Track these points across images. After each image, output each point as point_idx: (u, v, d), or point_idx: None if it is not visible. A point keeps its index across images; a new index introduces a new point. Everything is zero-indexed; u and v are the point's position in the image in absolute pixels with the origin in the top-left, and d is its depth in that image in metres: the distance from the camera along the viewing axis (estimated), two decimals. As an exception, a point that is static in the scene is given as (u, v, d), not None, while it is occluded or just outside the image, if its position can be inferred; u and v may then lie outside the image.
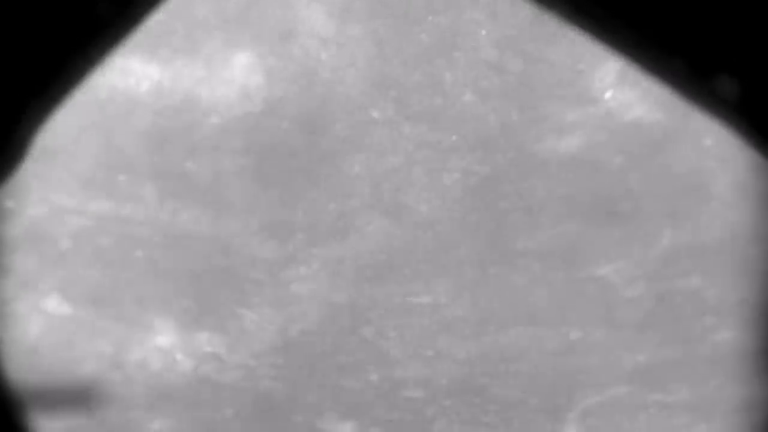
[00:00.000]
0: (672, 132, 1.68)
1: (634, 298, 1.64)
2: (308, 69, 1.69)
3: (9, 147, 1.69)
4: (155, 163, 1.69)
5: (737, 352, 1.67)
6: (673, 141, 1.68)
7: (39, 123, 1.70)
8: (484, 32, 1.69)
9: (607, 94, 1.66)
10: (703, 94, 1.69)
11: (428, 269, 1.66)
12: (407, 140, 1.66)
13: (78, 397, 1.74)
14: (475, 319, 1.67)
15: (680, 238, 1.64)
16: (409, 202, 1.64)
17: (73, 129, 1.69)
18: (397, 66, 1.68)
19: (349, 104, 1.68)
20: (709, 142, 1.68)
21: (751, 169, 1.67)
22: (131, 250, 1.68)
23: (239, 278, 1.67)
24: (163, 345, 1.69)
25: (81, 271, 1.69)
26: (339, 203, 1.65)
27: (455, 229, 1.65)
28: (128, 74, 1.69)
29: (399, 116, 1.66)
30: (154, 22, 1.68)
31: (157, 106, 1.69)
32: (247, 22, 1.70)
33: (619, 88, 1.68)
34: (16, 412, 1.78)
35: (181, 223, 1.66)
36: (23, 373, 1.69)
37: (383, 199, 1.64)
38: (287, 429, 1.72)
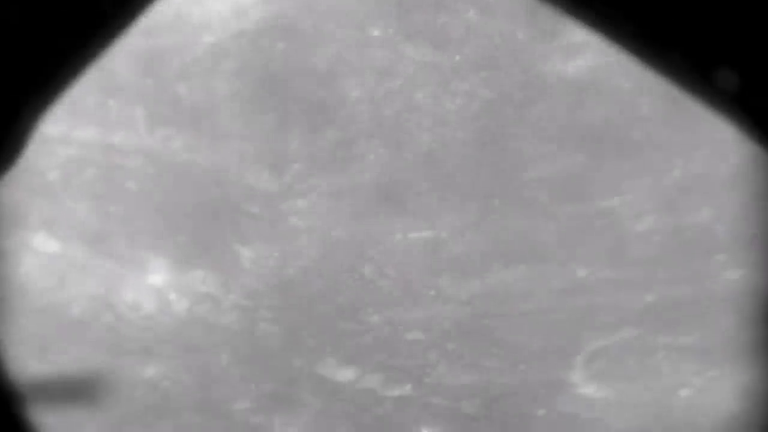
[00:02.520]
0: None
1: (643, 233, 1.56)
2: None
3: (8, 139, 1.59)
4: (145, 86, 1.58)
5: (749, 291, 1.54)
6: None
7: (38, 116, 1.66)
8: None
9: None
10: (703, 87, 1.63)
11: (430, 202, 1.57)
12: (408, 61, 1.57)
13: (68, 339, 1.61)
14: (479, 256, 1.57)
15: (692, 169, 1.56)
16: (410, 129, 1.55)
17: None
18: (399, -18, 1.60)
19: (348, 22, 1.57)
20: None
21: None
22: (122, 182, 1.59)
23: (235, 212, 1.58)
24: (157, 284, 1.59)
25: (69, 206, 1.60)
26: (337, 130, 1.56)
27: (458, 158, 1.56)
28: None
29: (399, 35, 1.57)
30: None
31: (147, 24, 1.58)
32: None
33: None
34: (16, 403, 1.69)
35: (173, 152, 1.57)
36: (14, 317, 1.57)
37: (383, 125, 1.54)
38: (286, 375, 1.61)
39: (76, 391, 1.73)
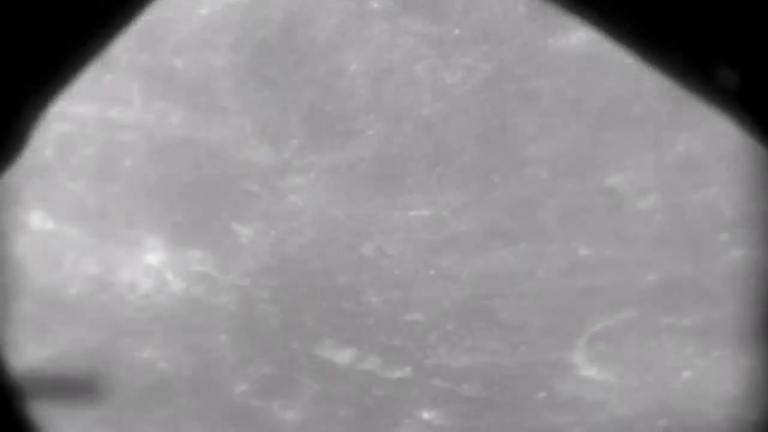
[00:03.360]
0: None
1: (645, 211, 1.52)
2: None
3: (10, 137, 1.59)
4: (141, 60, 1.54)
5: (753, 270, 1.50)
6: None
7: (39, 114, 1.66)
8: None
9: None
10: (704, 85, 1.62)
11: (430, 179, 1.54)
12: (407, 34, 1.54)
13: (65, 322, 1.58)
14: (480, 234, 1.54)
15: (696, 146, 1.51)
16: (410, 104, 1.50)
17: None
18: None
19: (347, -7, 1.56)
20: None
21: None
22: (118, 159, 1.54)
23: (232, 189, 1.55)
24: (153, 264, 1.55)
25: (65, 183, 1.55)
26: (336, 105, 1.52)
27: (459, 134, 1.53)
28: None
29: (398, 7, 1.52)
30: None
31: (143, -3, 1.57)
32: None
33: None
34: (16, 398, 1.66)
35: (169, 127, 1.54)
36: (11, 299, 1.54)
37: (383, 99, 1.51)
38: (284, 357, 1.57)
39: (74, 374, 1.69)
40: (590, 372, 1.70)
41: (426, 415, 1.73)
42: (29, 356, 1.70)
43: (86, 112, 1.69)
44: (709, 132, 1.66)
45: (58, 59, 1.60)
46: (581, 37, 1.65)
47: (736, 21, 1.63)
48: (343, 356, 1.71)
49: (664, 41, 1.64)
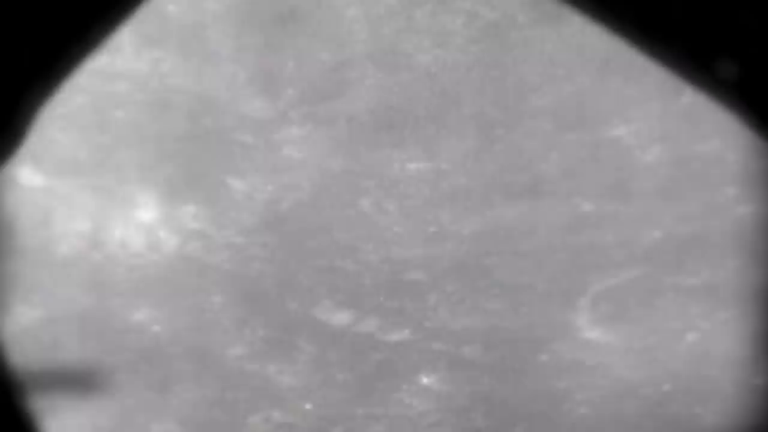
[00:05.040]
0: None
1: (650, 164, 1.45)
2: None
3: (8, 130, 1.54)
4: (134, 4, 1.50)
5: (761, 227, 1.42)
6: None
7: (38, 107, 1.63)
8: None
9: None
10: (703, 76, 1.60)
11: (430, 131, 1.48)
12: (407, -23, 1.48)
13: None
14: (480, 189, 1.48)
15: (701, 95, 1.40)
16: (409, 51, 1.42)
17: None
18: None
19: (344, -66, 1.50)
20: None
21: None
22: (109, 109, 1.45)
23: (226, 141, 1.48)
24: (145, 221, 1.46)
25: (54, 135, 1.46)
26: (333, 52, 1.46)
27: (459, 83, 1.47)
28: None
29: (398, -51, 1.48)
30: None
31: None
32: None
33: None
34: (16, 392, 1.63)
35: (161, 76, 1.47)
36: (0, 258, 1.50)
37: (381, 47, 1.45)
38: (280, 319, 1.50)
39: (65, 338, 1.61)
40: (593, 334, 1.65)
41: (425, 380, 1.68)
42: (19, 318, 1.61)
43: (77, 60, 1.62)
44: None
45: (57, 51, 1.52)
46: (585, -19, 1.58)
47: (737, 12, 1.60)
48: (341, 318, 1.66)
49: (664, 32, 1.61)
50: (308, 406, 1.71)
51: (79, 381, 1.72)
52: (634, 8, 1.60)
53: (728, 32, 1.58)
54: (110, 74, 1.66)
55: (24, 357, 1.69)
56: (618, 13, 1.59)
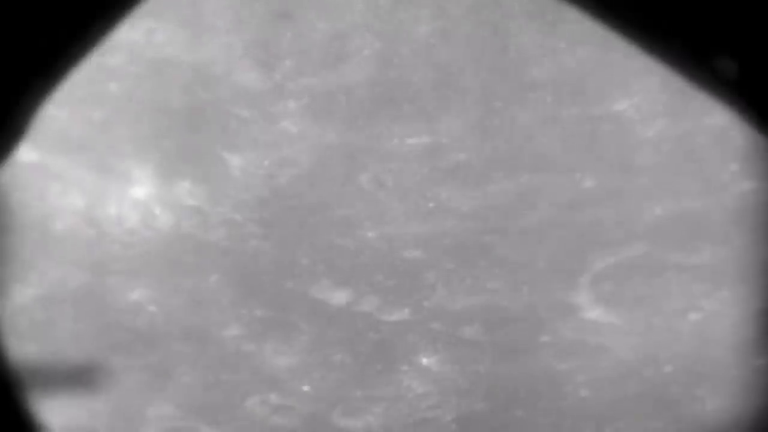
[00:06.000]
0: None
1: (652, 139, 1.42)
2: None
3: (8, 126, 1.52)
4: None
5: (763, 204, 1.38)
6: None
7: (38, 103, 1.61)
8: None
9: None
10: (703, 74, 1.58)
11: (429, 104, 1.44)
12: (405, -55, 1.44)
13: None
14: (480, 164, 1.45)
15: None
16: (406, 21, 1.38)
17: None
18: None
19: None
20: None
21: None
22: (103, 82, 1.41)
23: (222, 114, 1.45)
24: (140, 197, 1.42)
25: (48, 110, 1.42)
26: (330, 22, 1.43)
27: (458, 54, 1.44)
28: None
29: None
30: None
31: None
32: None
33: None
34: (16, 387, 1.61)
35: (156, 47, 1.42)
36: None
37: (379, 16, 1.42)
38: (277, 298, 1.46)
39: (61, 319, 1.57)
40: (594, 314, 1.62)
41: (425, 361, 1.66)
42: (15, 296, 1.57)
43: (70, 31, 1.59)
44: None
45: (56, 50, 1.48)
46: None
47: (736, 9, 1.59)
48: (339, 297, 1.64)
49: (664, 30, 1.59)
50: (306, 388, 1.67)
51: (74, 363, 1.68)
52: (634, 5, 1.56)
53: (728, 30, 1.54)
54: (104, 46, 1.62)
55: (18, 336, 1.65)
56: (619, 11, 1.55)
